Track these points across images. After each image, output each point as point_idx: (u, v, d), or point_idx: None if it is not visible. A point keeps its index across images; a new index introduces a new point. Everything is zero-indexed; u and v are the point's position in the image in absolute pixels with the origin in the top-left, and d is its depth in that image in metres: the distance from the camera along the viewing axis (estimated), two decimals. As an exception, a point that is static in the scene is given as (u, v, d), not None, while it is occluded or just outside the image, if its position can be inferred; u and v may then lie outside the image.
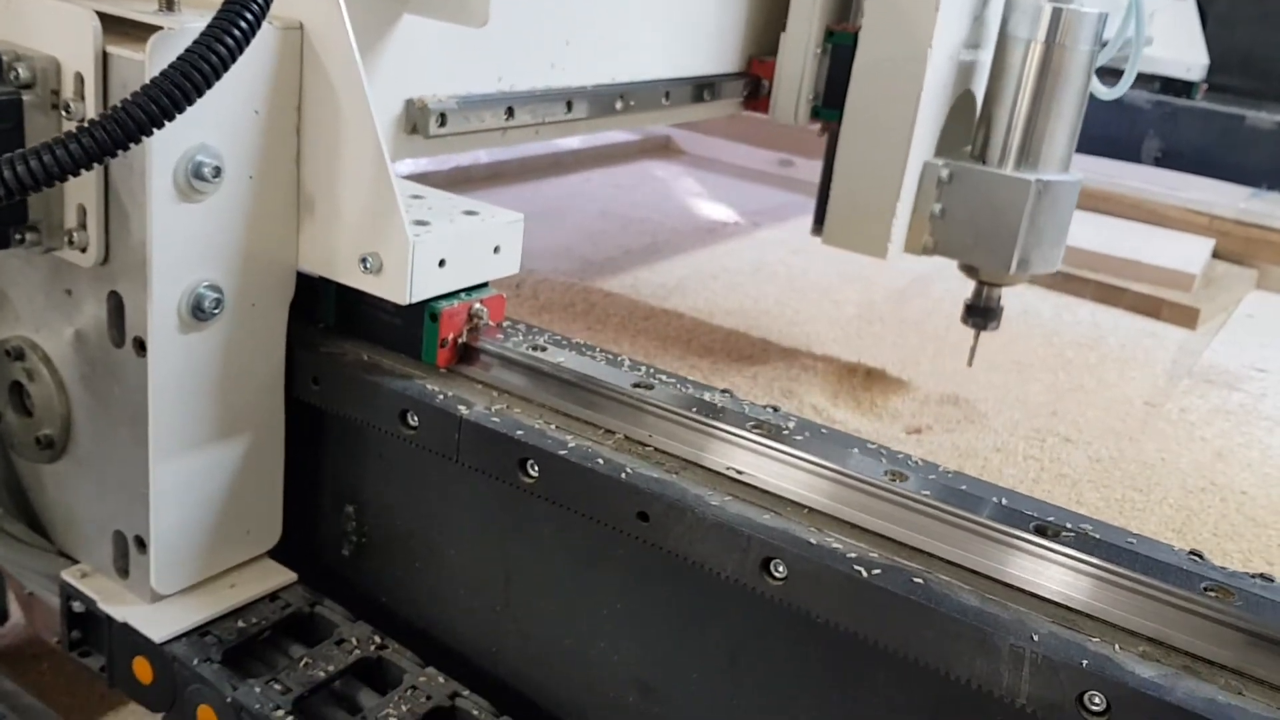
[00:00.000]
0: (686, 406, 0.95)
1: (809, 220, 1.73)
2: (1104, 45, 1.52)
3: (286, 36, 0.95)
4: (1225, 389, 2.06)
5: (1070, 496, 1.47)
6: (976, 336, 1.70)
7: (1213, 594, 0.79)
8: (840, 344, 2.03)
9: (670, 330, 1.90)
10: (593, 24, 1.37)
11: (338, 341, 1.10)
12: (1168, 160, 3.42)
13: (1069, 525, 0.85)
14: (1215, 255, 2.71)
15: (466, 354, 1.06)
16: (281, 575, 1.09)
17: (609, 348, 1.11)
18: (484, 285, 1.07)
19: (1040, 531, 0.81)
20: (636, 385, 0.97)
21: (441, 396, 1.00)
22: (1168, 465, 1.65)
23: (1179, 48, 3.14)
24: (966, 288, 1.68)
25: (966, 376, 1.94)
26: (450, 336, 1.04)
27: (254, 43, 0.83)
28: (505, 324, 1.10)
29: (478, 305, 1.05)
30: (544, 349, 1.05)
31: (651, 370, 1.03)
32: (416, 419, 1.01)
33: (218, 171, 0.92)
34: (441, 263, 0.99)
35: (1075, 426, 1.77)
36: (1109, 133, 3.49)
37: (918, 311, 2.28)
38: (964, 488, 0.88)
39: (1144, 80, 3.63)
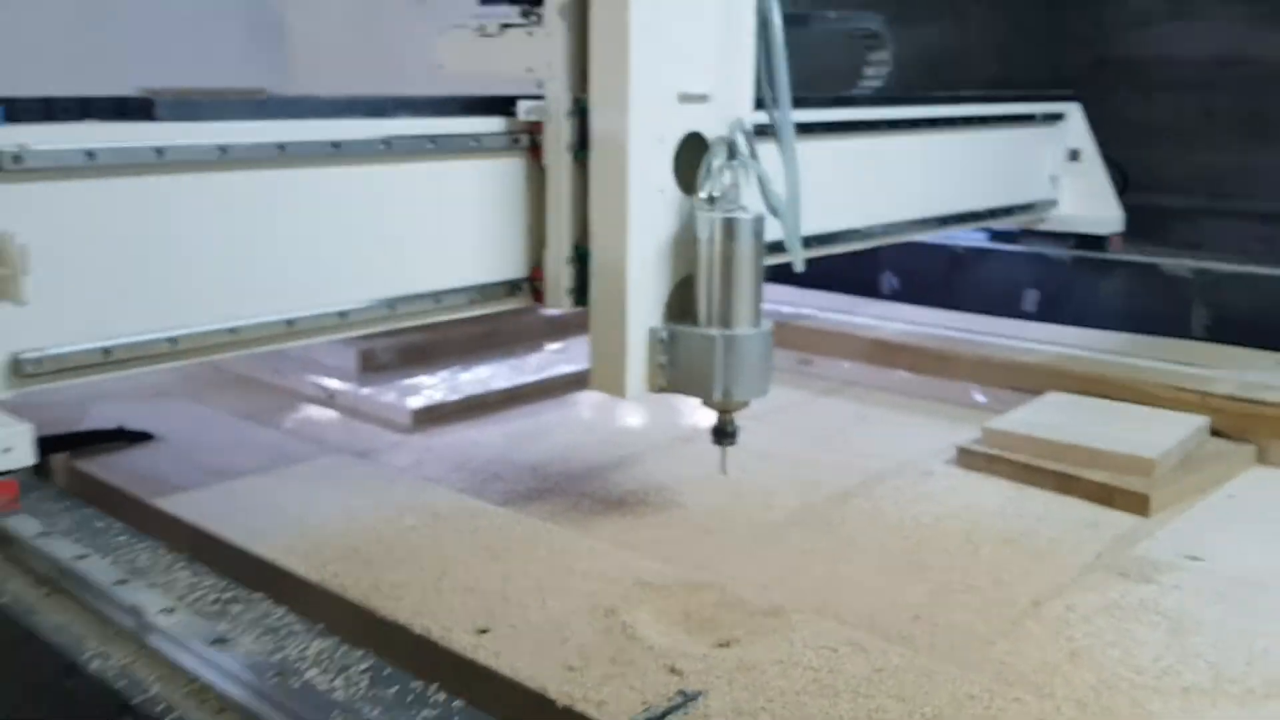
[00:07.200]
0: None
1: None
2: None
3: None
4: (1137, 582, 1.96)
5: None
6: (723, 452, 2.19)
7: None
8: (743, 554, 2.09)
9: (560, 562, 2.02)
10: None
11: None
12: (1216, 331, 3.27)
13: None
14: (1215, 433, 2.57)
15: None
16: None
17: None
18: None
19: None
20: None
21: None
22: (1005, 666, 1.61)
23: (1089, 206, 3.72)
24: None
25: (846, 581, 1.96)
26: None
27: None
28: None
29: None
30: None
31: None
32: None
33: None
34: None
35: (927, 632, 1.76)
36: (1152, 308, 3.40)
37: (855, 513, 2.30)
38: None
39: (1059, 238, 3.73)
